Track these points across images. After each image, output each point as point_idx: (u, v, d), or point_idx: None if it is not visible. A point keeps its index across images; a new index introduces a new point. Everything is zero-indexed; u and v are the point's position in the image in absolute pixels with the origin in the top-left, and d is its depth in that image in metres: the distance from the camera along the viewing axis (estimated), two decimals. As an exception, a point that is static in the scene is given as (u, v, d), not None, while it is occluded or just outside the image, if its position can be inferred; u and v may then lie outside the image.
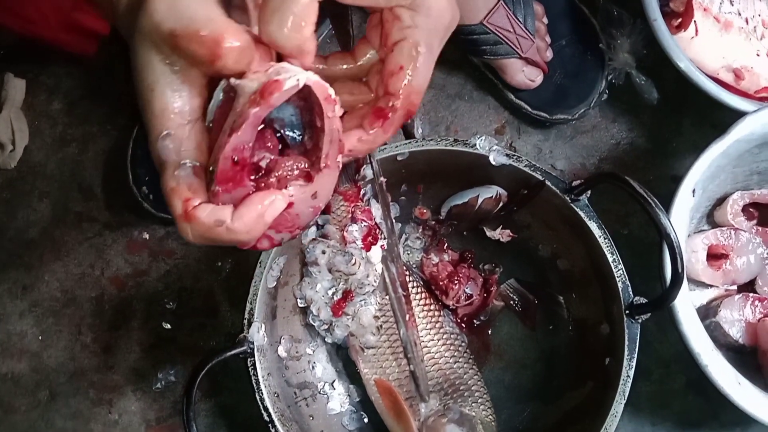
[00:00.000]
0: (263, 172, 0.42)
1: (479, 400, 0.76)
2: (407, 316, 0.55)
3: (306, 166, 0.43)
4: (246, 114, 0.39)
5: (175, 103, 0.41)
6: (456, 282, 0.82)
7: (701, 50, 0.85)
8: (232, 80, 0.40)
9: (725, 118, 0.78)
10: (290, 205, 0.42)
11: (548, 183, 0.74)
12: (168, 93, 0.41)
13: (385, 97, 0.44)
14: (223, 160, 0.40)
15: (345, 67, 0.47)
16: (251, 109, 0.39)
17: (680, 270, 0.64)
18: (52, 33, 0.80)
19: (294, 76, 0.38)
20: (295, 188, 0.42)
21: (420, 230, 0.85)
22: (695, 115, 0.92)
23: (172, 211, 0.41)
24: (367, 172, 0.71)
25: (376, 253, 0.71)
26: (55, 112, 0.93)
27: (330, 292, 0.75)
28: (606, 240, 0.73)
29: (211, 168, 0.41)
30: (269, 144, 0.43)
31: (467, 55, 0.90)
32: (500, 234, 0.82)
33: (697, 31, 0.85)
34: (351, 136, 0.44)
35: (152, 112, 0.41)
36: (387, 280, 0.54)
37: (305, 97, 0.41)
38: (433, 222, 0.84)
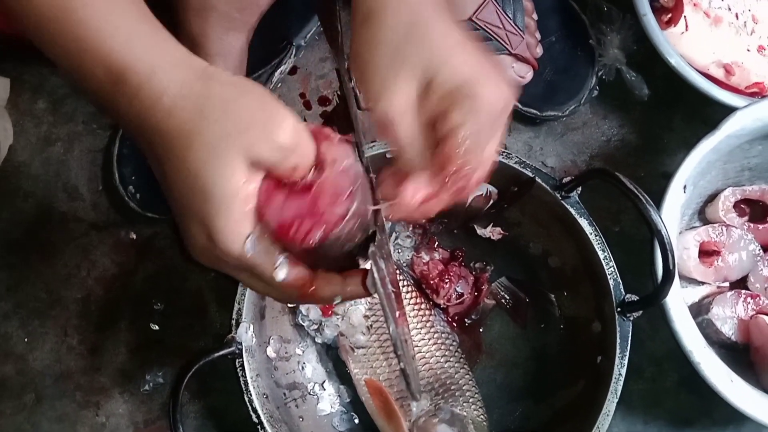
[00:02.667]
0: None
1: (470, 400, 0.75)
2: (397, 313, 0.54)
3: None
4: None
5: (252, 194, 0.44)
6: (447, 281, 0.81)
7: (691, 46, 0.85)
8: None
9: (716, 113, 0.78)
10: None
11: (538, 180, 0.73)
12: (249, 194, 0.43)
13: (446, 176, 0.48)
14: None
15: None
16: None
17: (671, 266, 0.64)
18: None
19: None
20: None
21: (410, 228, 0.84)
22: (686, 111, 0.92)
23: (291, 298, 0.49)
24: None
25: (370, 250, 0.70)
26: (40, 111, 0.92)
27: (319, 292, 0.74)
28: (597, 237, 0.72)
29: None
30: None
31: (457, 52, 0.90)
32: (491, 232, 0.82)
33: (687, 26, 0.85)
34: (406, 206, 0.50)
35: (229, 215, 0.43)
36: (376, 276, 0.53)
37: None
38: (424, 220, 0.83)
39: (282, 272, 0.46)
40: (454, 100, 0.47)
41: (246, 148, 0.42)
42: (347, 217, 0.44)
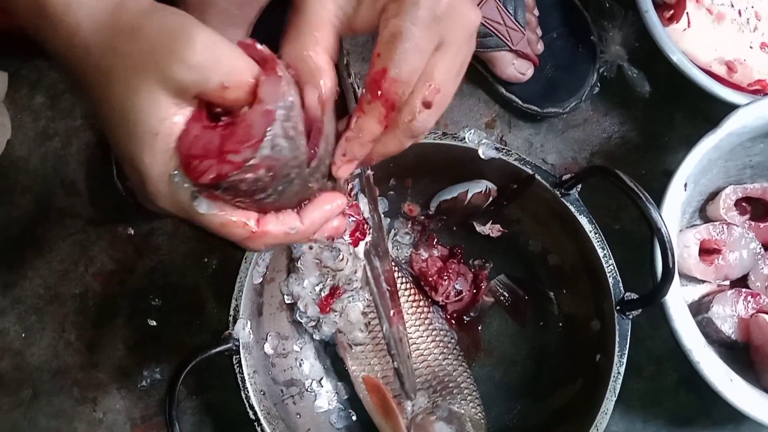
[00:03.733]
0: None
1: (468, 398, 0.75)
2: (392, 312, 0.54)
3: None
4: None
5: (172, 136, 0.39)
6: (445, 278, 0.81)
7: (693, 42, 0.84)
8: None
9: (718, 111, 0.77)
10: None
11: (538, 177, 0.73)
12: (173, 129, 0.39)
13: (364, 93, 0.42)
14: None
15: None
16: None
17: (671, 265, 0.63)
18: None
19: None
20: None
21: (409, 225, 0.84)
22: (687, 109, 0.91)
23: (236, 238, 0.42)
24: (354, 164, 0.70)
25: (364, 248, 0.70)
26: (38, 106, 0.92)
27: (317, 289, 0.74)
28: (596, 235, 0.72)
29: None
30: None
31: (457, 48, 0.89)
32: (490, 229, 0.81)
33: (689, 23, 0.84)
34: (341, 143, 0.44)
35: (154, 153, 0.39)
36: (369, 275, 0.53)
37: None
38: (422, 217, 0.83)
39: (201, 205, 0.41)
40: None
41: (159, 75, 0.38)
42: (249, 164, 0.39)
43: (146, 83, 0.38)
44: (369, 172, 0.66)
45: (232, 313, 0.70)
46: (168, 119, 0.39)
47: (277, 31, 0.90)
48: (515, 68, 0.87)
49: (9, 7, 0.41)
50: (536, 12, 0.89)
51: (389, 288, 0.60)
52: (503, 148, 0.73)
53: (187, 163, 0.40)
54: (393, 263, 0.75)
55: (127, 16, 0.39)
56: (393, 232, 0.84)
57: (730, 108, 0.75)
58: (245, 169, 0.39)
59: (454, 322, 0.82)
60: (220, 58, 0.38)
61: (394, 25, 0.41)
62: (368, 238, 0.69)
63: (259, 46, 0.42)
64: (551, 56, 0.88)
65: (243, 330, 0.70)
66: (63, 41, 0.40)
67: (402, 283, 0.80)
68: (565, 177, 0.72)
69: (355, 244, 0.70)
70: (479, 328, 0.83)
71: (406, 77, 0.42)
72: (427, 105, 0.44)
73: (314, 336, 0.80)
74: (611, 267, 0.72)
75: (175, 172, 0.41)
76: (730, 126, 0.74)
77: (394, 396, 0.74)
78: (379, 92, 0.42)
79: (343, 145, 0.44)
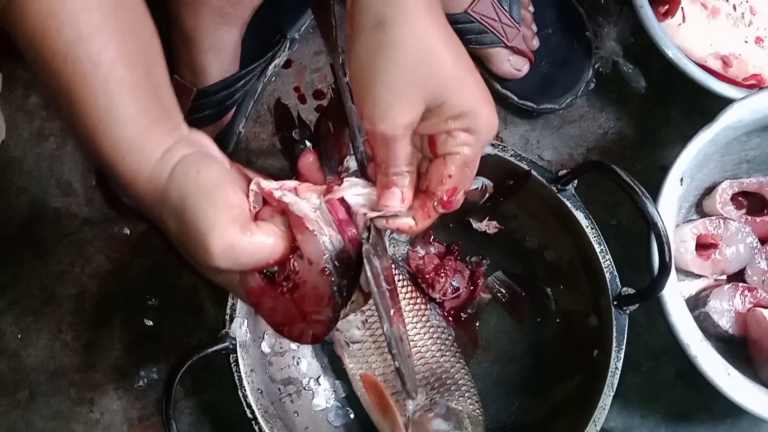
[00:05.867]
0: None
1: (466, 394, 0.75)
2: (392, 312, 0.54)
3: None
4: None
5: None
6: (442, 275, 0.80)
7: (689, 37, 0.84)
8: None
9: (713, 106, 0.77)
10: None
11: (534, 173, 0.73)
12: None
13: (431, 197, 0.51)
14: None
15: None
16: None
17: (668, 259, 0.63)
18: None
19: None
20: None
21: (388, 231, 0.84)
22: (683, 104, 0.91)
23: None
24: (351, 163, 0.69)
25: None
26: (33, 106, 0.91)
27: (314, 287, 0.74)
28: (593, 230, 0.72)
29: None
30: None
31: (452, 45, 0.89)
32: (487, 226, 0.81)
33: (684, 17, 0.85)
34: (404, 221, 0.53)
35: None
36: (369, 274, 0.52)
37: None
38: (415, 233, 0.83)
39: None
40: (460, 122, 0.49)
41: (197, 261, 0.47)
42: (330, 319, 0.48)
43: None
44: (366, 170, 0.66)
45: (228, 311, 0.70)
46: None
47: (270, 29, 0.90)
48: (511, 65, 0.87)
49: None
50: (531, 8, 0.89)
51: (389, 287, 0.60)
52: (499, 145, 0.73)
53: (279, 330, 0.49)
54: (390, 261, 0.75)
55: (166, 206, 0.47)
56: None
57: (726, 103, 0.75)
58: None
59: (451, 319, 0.81)
60: (239, 253, 0.46)
61: (467, 154, 0.50)
62: (368, 241, 0.69)
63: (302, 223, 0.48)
64: (547, 52, 0.88)
65: (240, 329, 0.70)
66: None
67: (399, 281, 0.80)
68: (561, 173, 0.72)
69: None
70: (477, 324, 0.83)
71: (466, 190, 0.53)
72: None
73: (311, 334, 0.79)
74: (608, 262, 0.72)
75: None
76: (726, 120, 0.74)
77: (392, 393, 0.74)
78: (450, 207, 0.52)
79: (401, 226, 0.53)
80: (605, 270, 0.71)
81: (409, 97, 0.48)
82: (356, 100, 0.51)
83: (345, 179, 0.54)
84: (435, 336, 0.78)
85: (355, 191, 0.54)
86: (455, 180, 0.51)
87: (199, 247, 0.45)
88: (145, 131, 0.47)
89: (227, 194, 0.47)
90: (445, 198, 0.51)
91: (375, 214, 0.53)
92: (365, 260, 0.54)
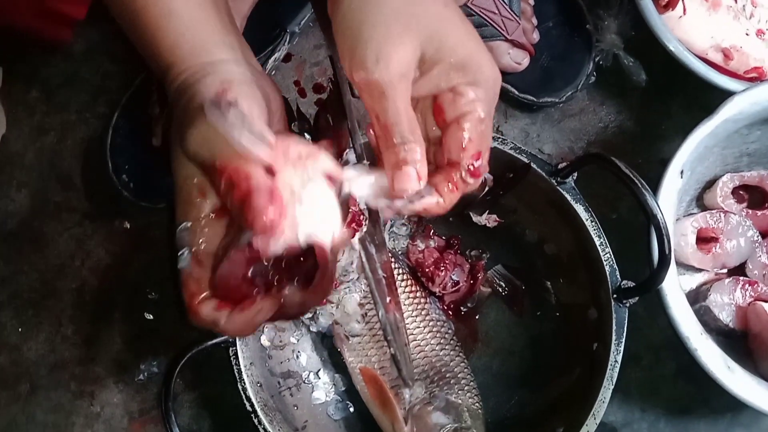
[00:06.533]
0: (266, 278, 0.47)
1: (465, 388, 0.75)
2: (388, 299, 0.54)
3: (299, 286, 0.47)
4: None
5: (196, 199, 0.47)
6: (442, 269, 0.80)
7: (689, 30, 0.84)
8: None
9: (714, 99, 0.77)
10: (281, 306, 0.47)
11: (534, 166, 0.73)
12: (194, 190, 0.47)
13: (456, 168, 0.48)
14: (221, 278, 0.46)
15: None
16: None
17: (667, 251, 0.63)
18: (24, 20, 0.78)
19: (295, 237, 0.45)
20: (286, 297, 0.47)
21: (405, 216, 0.84)
22: (684, 97, 0.91)
23: (183, 297, 0.48)
24: (351, 156, 0.69)
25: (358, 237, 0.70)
26: (33, 100, 0.91)
27: (313, 281, 0.74)
28: (593, 223, 0.72)
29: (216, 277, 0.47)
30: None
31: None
32: (486, 219, 0.81)
33: (684, 10, 0.84)
34: (429, 201, 0.48)
35: (178, 202, 0.48)
36: (364, 260, 0.53)
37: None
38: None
39: (183, 260, 0.47)
40: (464, 75, 0.45)
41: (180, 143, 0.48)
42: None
43: (179, 150, 0.48)
44: (366, 162, 0.66)
45: (228, 305, 0.70)
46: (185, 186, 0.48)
47: (270, 23, 0.90)
48: (511, 58, 0.86)
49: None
50: (531, 1, 0.88)
51: (385, 276, 0.60)
52: (499, 138, 0.73)
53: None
54: (390, 254, 0.75)
55: (185, 103, 0.49)
56: (389, 223, 0.84)
57: (727, 95, 0.75)
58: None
59: (451, 312, 0.81)
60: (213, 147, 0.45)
61: (478, 110, 0.47)
62: (363, 229, 0.69)
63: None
64: (547, 46, 0.88)
65: (239, 322, 0.70)
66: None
67: (399, 274, 0.80)
68: (561, 165, 0.72)
69: (351, 235, 0.70)
70: (476, 318, 0.83)
71: (488, 152, 0.49)
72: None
73: (311, 328, 0.79)
74: (608, 255, 0.71)
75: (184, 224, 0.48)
76: (727, 112, 0.74)
77: (392, 386, 0.74)
78: (479, 174, 0.49)
79: (430, 205, 0.49)
80: (605, 263, 0.71)
81: (401, 35, 0.44)
82: (345, 53, 0.46)
83: (344, 169, 0.50)
84: (435, 330, 0.78)
85: (360, 182, 0.50)
86: (476, 143, 0.47)
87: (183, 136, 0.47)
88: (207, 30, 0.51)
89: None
90: (472, 166, 0.47)
91: (397, 204, 0.49)
92: (361, 248, 0.54)
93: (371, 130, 0.49)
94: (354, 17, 0.46)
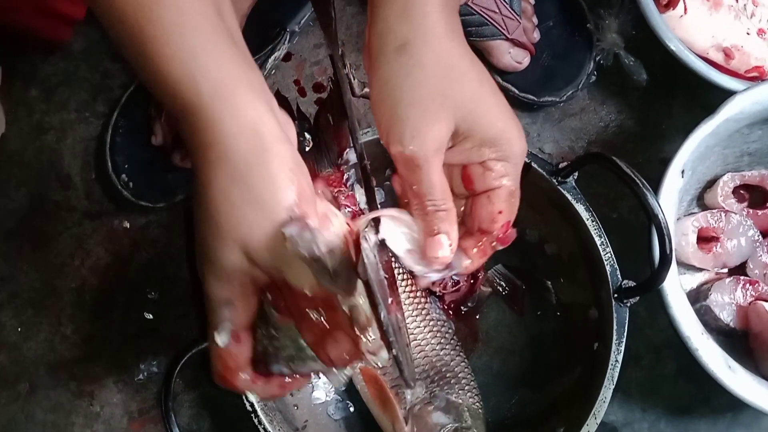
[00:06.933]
0: None
1: (466, 388, 0.75)
2: (389, 300, 0.54)
3: None
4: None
5: (247, 287, 0.45)
6: (443, 268, 0.80)
7: (690, 29, 0.84)
8: None
9: (715, 99, 0.76)
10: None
11: (534, 165, 0.72)
12: (247, 281, 0.45)
13: (486, 235, 0.51)
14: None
15: None
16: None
17: (668, 251, 0.63)
18: (23, 19, 0.78)
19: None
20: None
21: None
22: (685, 97, 0.91)
23: (213, 366, 0.48)
24: (351, 155, 0.69)
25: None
26: (32, 99, 0.91)
27: (314, 280, 0.74)
28: (594, 223, 0.72)
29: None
30: None
31: (453, 37, 0.88)
32: (487, 219, 0.81)
33: (685, 9, 0.84)
34: (462, 262, 0.52)
35: (220, 280, 0.45)
36: (366, 262, 0.52)
37: None
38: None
39: (223, 337, 0.47)
40: (494, 151, 0.48)
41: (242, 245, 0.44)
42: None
43: (234, 244, 0.44)
44: (366, 162, 0.66)
45: (228, 304, 0.70)
46: (236, 276, 0.45)
47: (270, 22, 0.90)
48: (511, 57, 0.86)
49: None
50: (532, 0, 0.88)
51: (386, 276, 0.60)
52: (499, 137, 0.72)
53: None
54: (390, 253, 0.75)
55: (255, 176, 0.43)
56: (390, 222, 0.83)
57: (728, 95, 0.75)
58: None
59: (451, 312, 0.81)
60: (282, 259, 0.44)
61: (509, 185, 0.50)
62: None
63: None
64: (547, 45, 0.88)
65: (239, 321, 0.70)
66: (198, 144, 0.44)
67: (399, 274, 0.80)
68: (561, 165, 0.72)
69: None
70: (477, 318, 0.83)
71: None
72: None
73: (311, 327, 0.79)
74: (609, 255, 0.71)
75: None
76: (728, 112, 0.73)
77: (392, 387, 0.74)
78: (506, 242, 0.52)
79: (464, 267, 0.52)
80: (606, 263, 0.71)
81: (437, 113, 0.47)
82: (382, 127, 0.49)
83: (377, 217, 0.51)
84: (435, 329, 0.78)
85: (395, 233, 0.51)
86: (506, 214, 0.51)
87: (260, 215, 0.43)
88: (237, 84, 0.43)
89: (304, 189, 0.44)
90: (501, 235, 0.51)
91: (433, 276, 0.52)
92: (362, 248, 0.54)
93: (396, 185, 0.52)
94: (391, 94, 0.48)
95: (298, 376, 0.49)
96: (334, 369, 0.48)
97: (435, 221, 0.49)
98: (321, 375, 0.52)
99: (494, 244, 0.51)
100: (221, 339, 0.47)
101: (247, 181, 0.43)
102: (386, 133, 0.49)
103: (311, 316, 0.45)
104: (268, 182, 0.43)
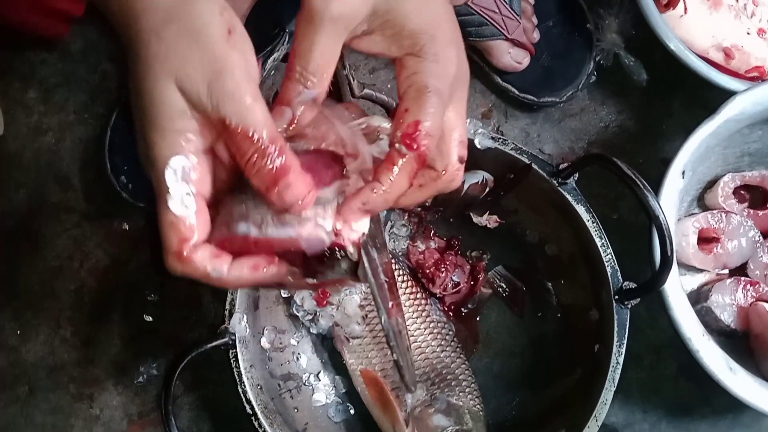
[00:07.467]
0: None
1: (467, 390, 0.75)
2: (390, 304, 0.53)
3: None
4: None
5: (190, 135, 0.41)
6: (443, 270, 0.80)
7: (690, 29, 0.84)
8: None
9: (715, 99, 0.76)
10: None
11: (535, 166, 0.72)
12: (189, 125, 0.40)
13: (392, 145, 0.43)
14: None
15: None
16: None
17: (669, 252, 0.63)
18: (20, 15, 0.77)
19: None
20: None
21: (406, 217, 0.83)
22: (685, 97, 0.90)
23: (164, 243, 0.41)
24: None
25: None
26: (31, 100, 0.91)
27: (314, 282, 0.74)
28: (594, 224, 0.71)
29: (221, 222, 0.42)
30: None
31: (452, 38, 0.88)
32: (487, 220, 0.81)
33: (686, 9, 0.84)
34: (364, 191, 0.43)
35: (162, 133, 0.40)
36: (367, 266, 0.52)
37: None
38: (419, 209, 0.82)
39: (175, 200, 0.41)
40: (413, 47, 0.43)
41: (182, 77, 0.39)
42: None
43: (169, 79, 0.40)
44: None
45: (228, 307, 0.70)
46: (178, 120, 0.40)
47: (269, 22, 0.89)
48: (511, 57, 0.86)
49: None
50: (532, 0, 0.88)
51: (387, 279, 0.59)
52: (500, 138, 0.72)
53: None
54: (390, 255, 0.74)
55: (186, 11, 0.40)
56: (390, 224, 0.83)
57: (728, 95, 0.75)
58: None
59: (451, 314, 0.81)
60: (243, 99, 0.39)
61: (419, 81, 0.43)
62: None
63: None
64: (547, 45, 0.88)
65: (239, 324, 0.70)
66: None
67: (399, 276, 0.80)
68: (562, 166, 0.71)
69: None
70: (477, 319, 0.83)
71: (435, 131, 0.43)
72: (461, 160, 0.47)
73: (311, 329, 0.79)
74: (609, 256, 0.71)
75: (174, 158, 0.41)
76: (728, 112, 0.73)
77: (393, 389, 0.74)
78: (415, 146, 0.42)
79: (366, 194, 0.43)
80: (606, 264, 0.71)
81: None
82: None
83: None
84: (435, 331, 0.78)
85: None
86: (413, 114, 0.42)
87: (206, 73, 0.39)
88: None
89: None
90: (407, 134, 0.42)
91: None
92: (363, 252, 0.53)
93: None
94: None
95: (269, 238, 0.43)
96: (301, 233, 0.42)
97: (294, 90, 0.42)
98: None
99: (398, 146, 0.42)
100: (174, 204, 0.40)
101: (176, 18, 0.40)
102: None
103: (253, 159, 0.40)
104: (199, 15, 0.40)
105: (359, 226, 0.46)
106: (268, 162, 0.40)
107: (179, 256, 0.41)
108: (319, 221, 0.43)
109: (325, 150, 0.44)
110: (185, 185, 0.41)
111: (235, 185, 0.45)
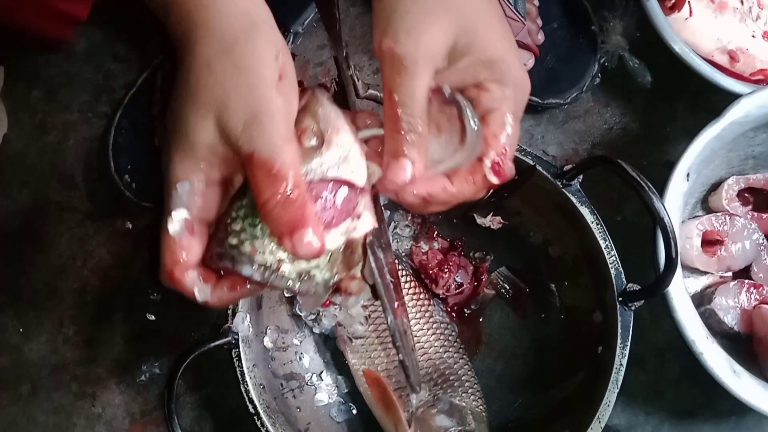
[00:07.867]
0: None
1: (469, 391, 0.75)
2: (396, 304, 0.53)
3: None
4: None
5: (211, 165, 0.43)
6: (446, 270, 0.80)
7: (695, 32, 0.84)
8: None
9: (720, 101, 0.76)
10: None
11: (539, 168, 0.72)
12: (213, 157, 0.43)
13: (479, 164, 0.47)
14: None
15: None
16: None
17: (674, 255, 0.63)
18: (25, 19, 0.77)
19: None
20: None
21: (409, 218, 0.83)
22: (689, 99, 0.90)
23: (162, 257, 0.44)
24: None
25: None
26: (35, 100, 0.91)
27: (317, 282, 0.74)
28: (598, 226, 0.71)
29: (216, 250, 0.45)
30: None
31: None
32: (491, 221, 0.81)
33: (691, 12, 0.84)
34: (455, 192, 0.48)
35: (182, 158, 0.43)
36: (374, 266, 0.52)
37: None
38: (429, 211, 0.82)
39: (176, 224, 0.44)
40: (491, 73, 0.45)
41: (221, 116, 0.42)
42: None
43: (209, 112, 0.42)
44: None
45: (231, 306, 0.70)
46: (201, 150, 0.43)
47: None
48: (515, 59, 0.86)
49: None
50: (536, 2, 0.88)
51: (393, 280, 0.60)
52: (504, 139, 0.72)
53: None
54: (394, 256, 0.74)
55: (242, 48, 0.43)
56: (393, 224, 0.83)
57: (732, 98, 0.75)
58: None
59: (454, 314, 0.81)
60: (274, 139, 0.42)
61: (505, 109, 0.46)
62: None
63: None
64: (552, 47, 0.88)
65: (242, 323, 0.70)
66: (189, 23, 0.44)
67: (402, 276, 0.80)
68: (566, 168, 0.71)
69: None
70: (480, 320, 0.83)
71: (513, 154, 0.48)
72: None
73: (314, 329, 0.79)
74: (613, 258, 0.71)
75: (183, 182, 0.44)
76: (733, 115, 0.73)
77: (395, 389, 0.74)
78: (502, 175, 0.47)
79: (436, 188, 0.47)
80: (610, 266, 0.71)
81: (439, 17, 0.44)
82: (380, 22, 0.45)
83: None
84: (438, 332, 0.78)
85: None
86: (503, 141, 0.46)
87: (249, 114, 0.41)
88: None
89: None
90: (497, 163, 0.46)
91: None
92: (369, 252, 0.54)
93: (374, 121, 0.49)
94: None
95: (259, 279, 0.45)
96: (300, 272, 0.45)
97: (404, 143, 0.45)
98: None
99: (487, 171, 0.46)
100: (173, 227, 0.44)
101: (231, 53, 0.42)
102: (382, 30, 0.45)
103: (276, 196, 0.42)
104: (254, 55, 0.42)
105: (364, 223, 0.47)
106: (287, 208, 0.42)
107: (171, 275, 0.44)
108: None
109: (340, 180, 0.45)
110: (185, 211, 0.44)
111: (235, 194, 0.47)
